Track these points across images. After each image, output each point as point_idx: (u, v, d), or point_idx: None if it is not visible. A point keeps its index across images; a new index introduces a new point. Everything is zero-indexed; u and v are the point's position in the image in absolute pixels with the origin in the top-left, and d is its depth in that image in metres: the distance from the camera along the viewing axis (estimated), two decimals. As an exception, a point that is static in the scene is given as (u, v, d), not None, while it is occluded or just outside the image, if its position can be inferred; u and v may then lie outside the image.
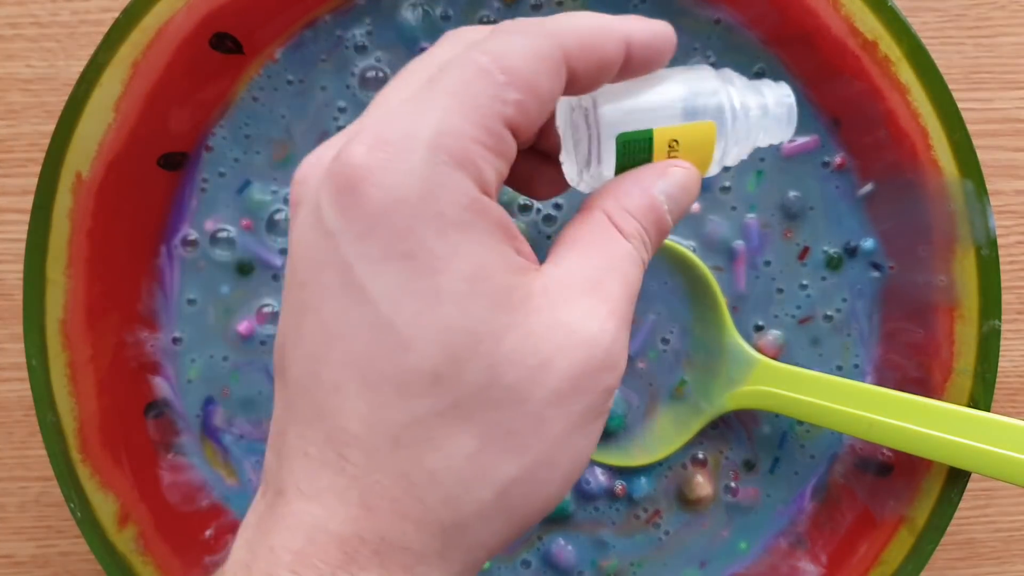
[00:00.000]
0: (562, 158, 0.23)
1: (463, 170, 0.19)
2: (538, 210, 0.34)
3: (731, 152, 0.24)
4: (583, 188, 0.24)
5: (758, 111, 0.24)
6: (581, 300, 0.20)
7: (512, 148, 0.20)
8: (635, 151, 0.23)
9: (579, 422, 0.20)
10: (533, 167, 0.25)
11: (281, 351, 0.21)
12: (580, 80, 0.21)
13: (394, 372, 0.19)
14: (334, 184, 0.19)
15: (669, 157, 0.23)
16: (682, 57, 0.33)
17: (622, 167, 0.23)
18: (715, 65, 0.33)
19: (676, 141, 0.23)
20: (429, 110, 0.19)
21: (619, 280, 0.21)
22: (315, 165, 0.21)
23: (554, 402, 0.19)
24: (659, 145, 0.23)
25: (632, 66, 0.22)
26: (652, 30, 0.22)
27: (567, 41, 0.21)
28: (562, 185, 0.25)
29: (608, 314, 0.20)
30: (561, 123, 0.23)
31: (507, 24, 0.21)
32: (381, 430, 0.19)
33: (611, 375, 0.20)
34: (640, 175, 0.22)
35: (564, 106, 0.23)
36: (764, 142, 0.25)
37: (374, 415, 0.19)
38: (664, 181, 0.22)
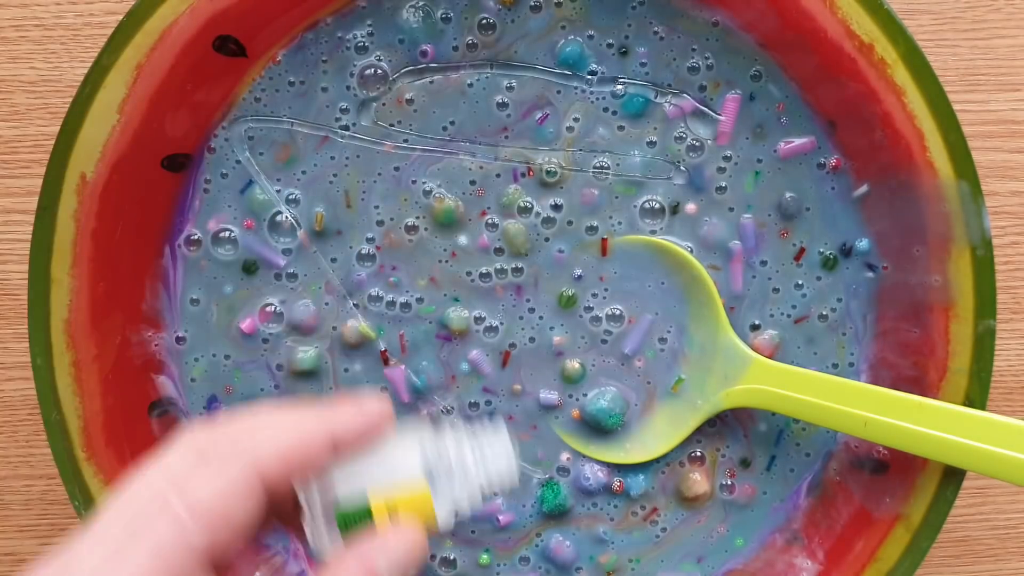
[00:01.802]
0: (305, 526, 0.25)
1: None
2: (537, 213, 0.34)
3: (458, 500, 0.26)
4: (318, 558, 0.25)
5: (474, 457, 0.26)
6: None
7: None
8: (357, 522, 0.24)
9: None
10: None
11: None
12: (285, 485, 0.23)
13: None
14: None
15: (391, 521, 0.25)
16: (680, 58, 0.34)
17: (352, 535, 0.24)
18: (711, 67, 0.34)
19: (395, 505, 0.25)
20: (125, 563, 0.20)
21: None
22: None
23: None
24: (379, 512, 0.24)
25: (349, 451, 0.24)
26: (358, 423, 0.24)
27: (263, 461, 0.22)
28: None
29: None
30: (301, 498, 0.25)
31: (213, 446, 0.23)
32: None
33: None
34: (361, 550, 0.24)
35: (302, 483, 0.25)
36: (488, 487, 0.26)
37: None
38: (384, 553, 0.24)
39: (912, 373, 0.33)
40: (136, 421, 0.33)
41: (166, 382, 0.34)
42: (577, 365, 0.34)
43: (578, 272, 0.34)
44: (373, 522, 0.24)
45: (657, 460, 0.35)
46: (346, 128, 0.34)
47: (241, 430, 0.23)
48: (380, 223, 0.34)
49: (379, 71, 0.34)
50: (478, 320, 0.34)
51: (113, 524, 0.21)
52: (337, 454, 0.24)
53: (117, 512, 0.22)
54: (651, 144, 0.34)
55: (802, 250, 0.34)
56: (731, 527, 0.35)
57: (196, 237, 0.34)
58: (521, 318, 0.34)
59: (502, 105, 0.34)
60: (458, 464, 0.26)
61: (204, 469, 0.22)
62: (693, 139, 0.34)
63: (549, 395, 0.35)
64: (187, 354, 0.34)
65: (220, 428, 0.23)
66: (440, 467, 0.25)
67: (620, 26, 0.33)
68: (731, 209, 0.34)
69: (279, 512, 0.25)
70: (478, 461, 0.26)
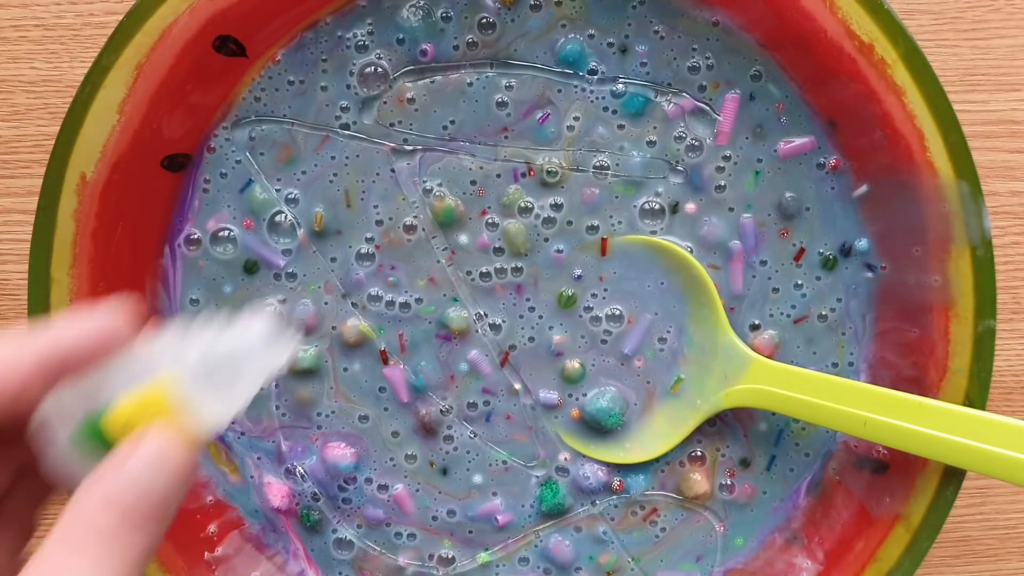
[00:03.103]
0: (45, 465, 0.22)
1: None
2: (537, 213, 0.34)
3: (220, 395, 0.22)
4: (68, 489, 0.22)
5: (222, 347, 0.22)
6: None
7: None
8: (96, 440, 0.21)
9: None
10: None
11: None
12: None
13: None
14: None
15: (135, 431, 0.21)
16: (681, 57, 0.34)
17: (92, 459, 0.21)
18: (712, 67, 0.34)
19: (135, 414, 0.21)
20: None
21: None
22: None
23: None
24: (116, 423, 0.21)
25: (77, 369, 0.21)
26: (81, 335, 0.21)
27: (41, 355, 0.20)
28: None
29: None
30: (35, 430, 0.22)
31: None
32: None
33: None
34: (97, 476, 0.20)
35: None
36: (255, 374, 0.22)
37: None
38: (124, 473, 0.20)
39: (912, 373, 0.33)
40: (136, 421, 0.33)
41: (166, 382, 0.34)
42: (577, 365, 0.34)
43: (578, 272, 0.34)
44: (111, 442, 0.21)
45: (657, 460, 0.35)
46: (346, 127, 0.34)
47: None
48: (379, 223, 0.34)
49: (379, 69, 0.34)
50: (478, 319, 0.34)
51: None
52: (63, 375, 0.21)
53: None
54: (651, 144, 0.34)
55: (802, 250, 0.34)
56: (731, 527, 0.35)
57: (196, 236, 0.34)
58: (521, 317, 0.34)
59: (502, 104, 0.34)
60: (211, 357, 0.22)
61: None
62: (692, 139, 0.34)
63: (549, 395, 0.35)
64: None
65: None
66: (193, 365, 0.22)
67: (620, 25, 0.34)
68: (731, 209, 0.34)
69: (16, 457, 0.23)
70: (233, 349, 0.22)
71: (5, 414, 0.20)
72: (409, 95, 0.34)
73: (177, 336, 0.22)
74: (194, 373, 0.21)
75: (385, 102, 0.34)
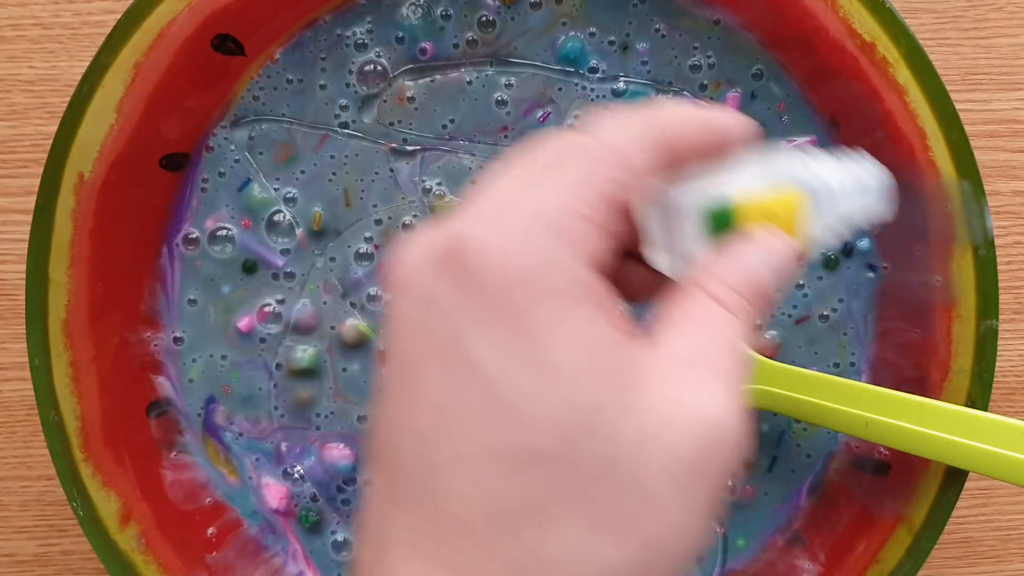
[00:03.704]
0: (645, 250, 0.23)
1: (575, 246, 0.19)
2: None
3: (826, 225, 0.23)
4: (674, 275, 0.23)
5: (849, 182, 0.23)
6: (697, 377, 0.19)
7: (622, 229, 0.20)
8: (721, 226, 0.22)
9: (697, 506, 0.18)
10: (628, 271, 0.24)
11: (385, 434, 0.19)
12: (681, 165, 0.21)
13: (506, 450, 0.18)
14: (442, 257, 0.19)
15: (759, 219, 0.22)
16: (682, 56, 0.34)
17: (711, 244, 0.22)
18: (713, 66, 0.34)
19: (764, 213, 0.22)
20: (541, 188, 0.19)
21: (731, 356, 0.20)
22: (417, 245, 0.20)
23: (673, 486, 0.18)
24: (747, 218, 0.22)
25: (725, 153, 0.22)
26: (734, 120, 0.23)
27: (664, 128, 0.21)
28: (653, 287, 0.24)
29: (726, 393, 0.19)
30: (640, 213, 0.22)
31: (605, 116, 0.21)
32: (490, 514, 0.18)
33: (732, 458, 0.19)
34: (735, 248, 0.22)
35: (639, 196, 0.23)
36: (858, 216, 0.24)
37: (483, 497, 0.18)
38: (759, 251, 0.21)
39: (914, 373, 0.33)
40: (134, 422, 0.33)
41: (164, 383, 0.34)
42: (577, 365, 0.34)
43: (578, 272, 0.34)
44: (735, 230, 0.22)
45: (658, 461, 0.35)
46: (345, 126, 0.34)
47: (633, 110, 0.22)
48: (379, 222, 0.34)
49: (379, 68, 0.33)
50: (478, 320, 0.34)
51: (520, 161, 0.20)
52: (715, 153, 0.22)
53: (533, 154, 0.20)
54: (652, 143, 0.34)
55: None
56: (732, 528, 0.35)
57: (194, 236, 0.34)
58: (521, 318, 0.34)
59: (502, 103, 0.34)
60: (831, 180, 0.23)
61: (613, 123, 0.21)
62: (694, 138, 0.34)
63: (549, 395, 0.34)
64: (185, 355, 0.34)
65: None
66: (808, 184, 0.23)
67: (621, 23, 0.33)
68: (732, 209, 0.34)
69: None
70: (853, 178, 0.23)
71: (631, 184, 0.21)
72: (409, 94, 0.34)
73: (796, 157, 0.23)
74: (814, 196, 0.22)
75: (385, 100, 0.34)
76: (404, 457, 0.19)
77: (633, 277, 0.24)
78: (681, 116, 0.21)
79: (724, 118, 0.22)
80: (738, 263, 0.21)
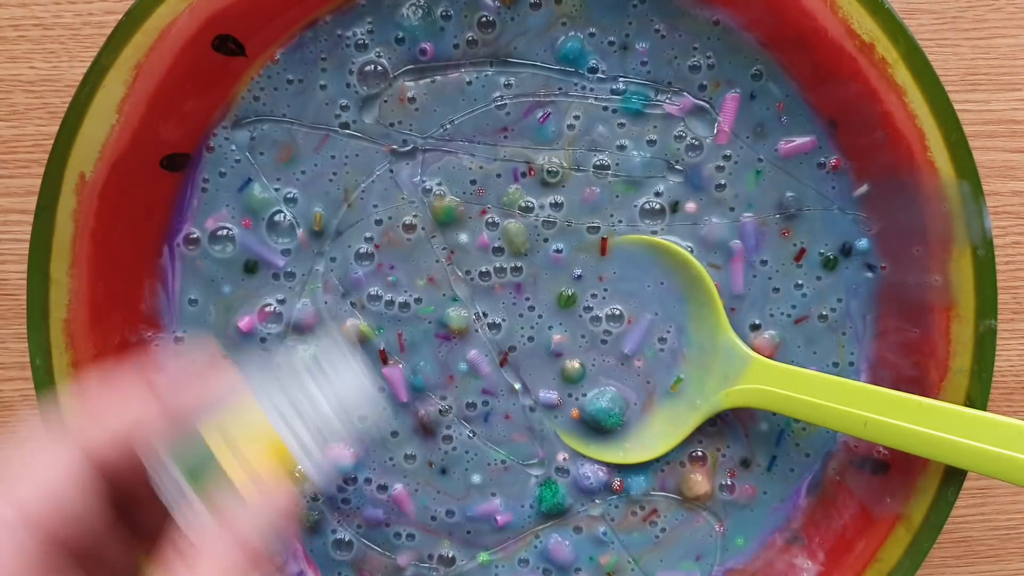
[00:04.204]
0: (165, 502, 0.23)
1: None
2: (536, 214, 0.34)
3: (312, 435, 0.24)
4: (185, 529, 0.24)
5: (319, 389, 0.24)
6: None
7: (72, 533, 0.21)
8: (203, 471, 0.23)
9: None
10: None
11: None
12: (128, 470, 0.23)
13: None
14: None
15: (244, 472, 0.23)
16: (681, 56, 0.34)
17: (200, 496, 0.23)
18: (712, 66, 0.34)
19: (237, 441, 0.23)
20: None
21: None
22: None
23: None
24: (219, 450, 0.23)
25: (187, 416, 0.23)
26: (193, 396, 0.23)
27: (93, 444, 0.22)
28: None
29: None
30: (150, 473, 0.23)
31: (30, 437, 0.22)
32: None
33: None
34: (225, 520, 0.22)
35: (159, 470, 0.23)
36: (341, 425, 0.25)
37: None
38: (250, 515, 0.22)
39: (913, 373, 0.33)
40: (135, 421, 0.33)
41: (165, 382, 0.34)
42: (577, 365, 0.34)
43: (578, 272, 0.34)
44: (222, 468, 0.23)
45: (657, 460, 0.35)
46: (345, 126, 0.34)
47: (68, 418, 0.23)
48: (379, 222, 0.34)
49: (379, 68, 0.33)
50: (477, 319, 0.34)
51: None
52: (176, 422, 0.23)
53: None
54: (651, 143, 0.34)
55: (802, 250, 0.34)
56: (731, 527, 0.35)
57: (195, 236, 0.34)
58: (521, 316, 0.34)
59: (502, 103, 0.34)
60: (300, 397, 0.24)
61: (29, 464, 0.21)
62: (692, 138, 0.34)
63: (548, 395, 0.35)
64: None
65: (46, 417, 0.23)
66: (283, 405, 0.24)
67: (621, 24, 0.33)
68: (732, 208, 0.34)
69: (137, 500, 0.24)
70: (323, 388, 0.24)
71: (130, 474, 0.22)
72: (410, 94, 0.34)
73: (265, 376, 0.24)
74: (294, 417, 0.24)
75: (386, 100, 0.34)
76: None
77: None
78: (107, 437, 0.22)
79: (183, 397, 0.23)
80: (227, 536, 0.22)
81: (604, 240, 0.34)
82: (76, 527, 0.21)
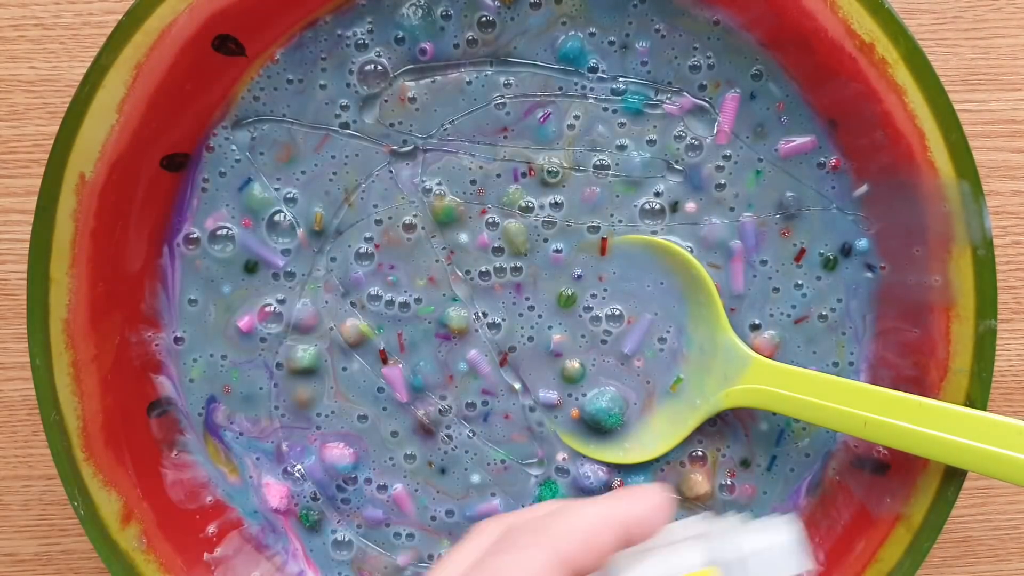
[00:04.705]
0: None
1: None
2: (536, 214, 0.34)
3: None
4: None
5: (763, 547, 0.24)
6: None
7: None
8: None
9: None
10: None
11: None
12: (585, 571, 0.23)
13: None
14: None
15: None
16: (682, 56, 0.34)
17: None
18: (712, 66, 0.34)
19: None
20: None
21: None
22: None
23: None
24: None
25: (635, 541, 0.24)
26: (646, 509, 0.24)
27: (565, 548, 0.22)
28: None
29: None
30: None
31: (514, 533, 0.23)
32: None
33: None
34: None
35: None
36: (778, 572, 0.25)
37: None
38: None
39: (912, 373, 0.33)
40: (135, 421, 0.33)
41: (165, 382, 0.34)
42: (577, 365, 0.34)
43: (578, 272, 0.34)
44: None
45: (657, 460, 0.35)
46: (346, 126, 0.34)
47: (536, 518, 0.23)
48: (379, 222, 0.34)
49: (379, 68, 0.34)
50: (477, 319, 0.34)
51: None
52: (625, 543, 0.24)
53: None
54: (651, 143, 0.34)
55: (802, 250, 0.34)
56: (731, 527, 0.35)
57: (195, 236, 0.34)
58: (521, 316, 0.34)
59: (502, 103, 0.34)
60: (738, 555, 0.24)
61: (508, 555, 0.22)
62: (692, 138, 0.34)
63: (548, 395, 0.35)
64: (185, 354, 0.34)
65: (514, 518, 0.23)
66: (721, 558, 0.24)
67: (621, 23, 0.33)
68: (731, 208, 0.34)
69: None
70: (759, 552, 0.24)
71: (588, 566, 0.23)
72: (410, 94, 0.34)
73: (705, 526, 0.25)
74: (727, 569, 0.24)
75: (386, 100, 0.34)
76: None
77: None
78: (587, 524, 0.23)
79: (636, 509, 0.24)
80: None
81: (604, 240, 0.34)
82: None
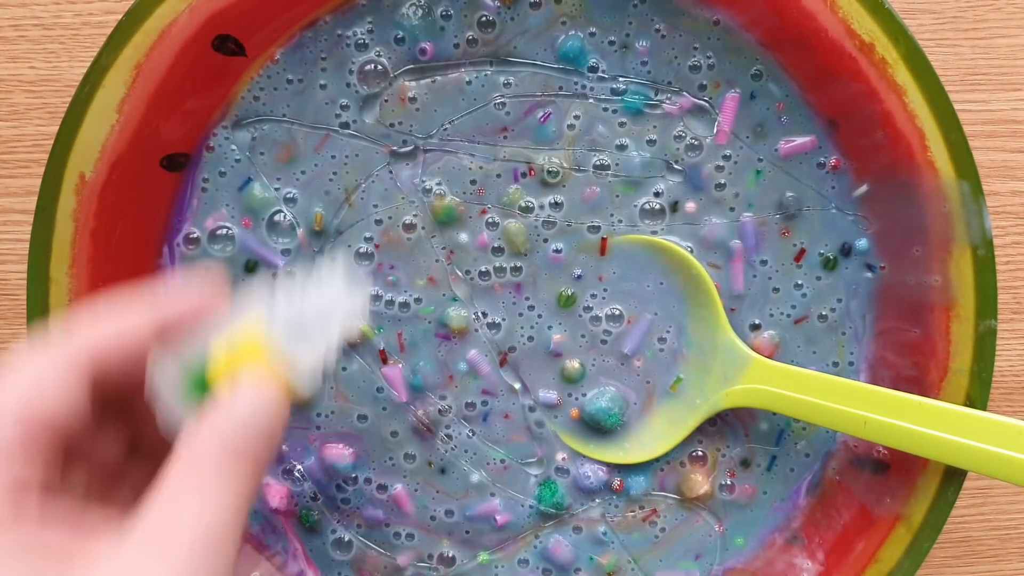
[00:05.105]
0: (157, 413, 0.24)
1: None
2: (537, 214, 0.34)
3: (304, 350, 0.24)
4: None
5: (314, 304, 0.24)
6: (136, 565, 0.19)
7: (52, 450, 0.21)
8: (202, 390, 0.23)
9: None
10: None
11: None
12: (120, 376, 0.23)
13: None
14: None
15: (231, 376, 0.23)
16: (682, 56, 0.34)
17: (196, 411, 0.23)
18: (712, 66, 0.34)
19: (236, 359, 0.23)
20: None
21: (192, 539, 0.20)
22: None
23: None
24: (217, 371, 0.23)
25: (184, 330, 0.24)
26: (186, 306, 0.24)
27: (89, 347, 0.22)
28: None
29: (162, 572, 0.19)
30: (148, 381, 0.24)
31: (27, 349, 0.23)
32: None
33: None
34: (205, 422, 0.22)
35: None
36: (335, 331, 0.25)
37: None
38: (229, 416, 0.22)
39: (912, 373, 0.33)
40: (135, 421, 0.33)
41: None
42: (576, 365, 0.34)
43: (578, 272, 0.34)
44: (208, 373, 0.23)
45: (657, 460, 0.35)
46: (346, 126, 0.34)
47: (70, 324, 0.23)
48: (379, 222, 0.34)
49: (379, 67, 0.34)
50: (477, 319, 0.34)
51: None
52: (172, 334, 0.24)
53: None
54: (651, 143, 0.34)
55: (802, 250, 0.34)
56: (731, 527, 0.35)
57: (195, 236, 0.34)
58: (521, 316, 0.34)
59: (502, 103, 0.34)
60: (297, 315, 0.24)
61: (25, 359, 0.22)
62: (692, 138, 0.34)
63: (548, 394, 0.35)
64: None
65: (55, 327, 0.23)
66: (280, 322, 0.24)
67: (621, 23, 0.33)
68: (731, 208, 0.34)
69: (127, 410, 0.25)
70: (317, 308, 0.24)
71: (124, 380, 0.23)
72: (411, 94, 0.34)
73: (263, 295, 0.24)
74: (283, 327, 0.24)
75: (387, 100, 0.34)
76: None
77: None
78: (114, 337, 0.23)
79: (166, 307, 0.24)
80: (207, 434, 0.21)
81: (604, 240, 0.34)
82: (62, 418, 0.21)
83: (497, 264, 0.34)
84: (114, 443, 0.25)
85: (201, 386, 0.23)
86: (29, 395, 0.21)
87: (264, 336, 0.23)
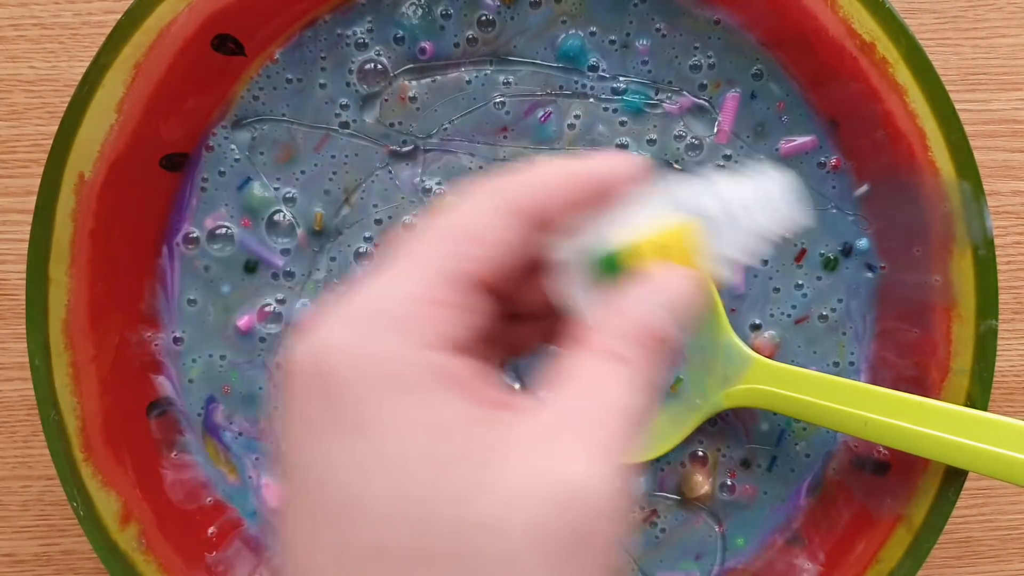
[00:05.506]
0: (558, 286, 0.23)
1: (413, 333, 0.19)
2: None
3: (731, 245, 0.22)
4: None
5: (749, 196, 0.22)
6: (564, 442, 0.18)
7: (482, 301, 0.20)
8: (610, 271, 0.22)
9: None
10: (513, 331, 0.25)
11: (280, 533, 0.20)
12: (555, 223, 0.22)
13: (365, 550, 0.18)
14: (287, 371, 0.19)
15: (648, 257, 0.22)
16: (682, 56, 0.34)
17: (603, 292, 0.22)
18: (713, 66, 0.34)
19: (656, 250, 0.22)
20: (383, 280, 0.20)
21: (609, 416, 0.19)
22: (292, 360, 0.20)
23: (543, 561, 0.17)
24: (638, 258, 0.22)
25: (606, 199, 0.22)
26: (615, 164, 0.22)
27: (521, 194, 0.21)
28: (550, 338, 0.24)
29: (596, 454, 0.18)
30: (555, 252, 0.23)
31: (474, 187, 0.22)
32: None
33: (606, 524, 0.18)
34: (622, 294, 0.21)
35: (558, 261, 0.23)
36: (767, 228, 0.23)
37: None
38: (648, 292, 0.21)
39: (913, 373, 0.33)
40: (135, 422, 0.33)
41: (164, 383, 0.34)
42: (577, 365, 0.34)
43: (578, 272, 0.34)
44: (632, 269, 0.22)
45: (657, 460, 0.35)
46: (345, 125, 0.34)
47: (498, 176, 0.22)
48: (379, 222, 0.34)
49: (379, 67, 0.33)
50: (478, 320, 0.34)
51: (385, 257, 0.21)
52: (594, 198, 0.22)
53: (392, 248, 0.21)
54: (651, 142, 0.34)
55: (803, 251, 0.34)
56: (731, 527, 0.35)
57: (194, 235, 0.34)
58: (521, 318, 0.34)
59: (502, 102, 0.34)
60: (723, 207, 0.22)
61: (463, 202, 0.21)
62: (692, 137, 0.34)
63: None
64: (185, 355, 0.34)
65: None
66: (704, 210, 0.22)
67: (622, 23, 0.33)
68: (732, 208, 0.34)
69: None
70: (747, 203, 0.22)
71: (546, 216, 0.21)
72: (411, 94, 0.34)
73: (690, 183, 0.22)
74: (712, 221, 0.22)
75: (386, 100, 0.34)
76: (288, 560, 0.19)
77: (525, 334, 0.24)
78: (545, 176, 0.21)
79: (600, 166, 0.22)
80: (626, 309, 0.21)
81: (604, 240, 0.34)
82: (493, 253, 0.20)
83: (497, 264, 0.34)
84: (496, 302, 0.23)
85: (611, 265, 0.22)
86: (475, 227, 0.20)
87: (692, 230, 0.22)
